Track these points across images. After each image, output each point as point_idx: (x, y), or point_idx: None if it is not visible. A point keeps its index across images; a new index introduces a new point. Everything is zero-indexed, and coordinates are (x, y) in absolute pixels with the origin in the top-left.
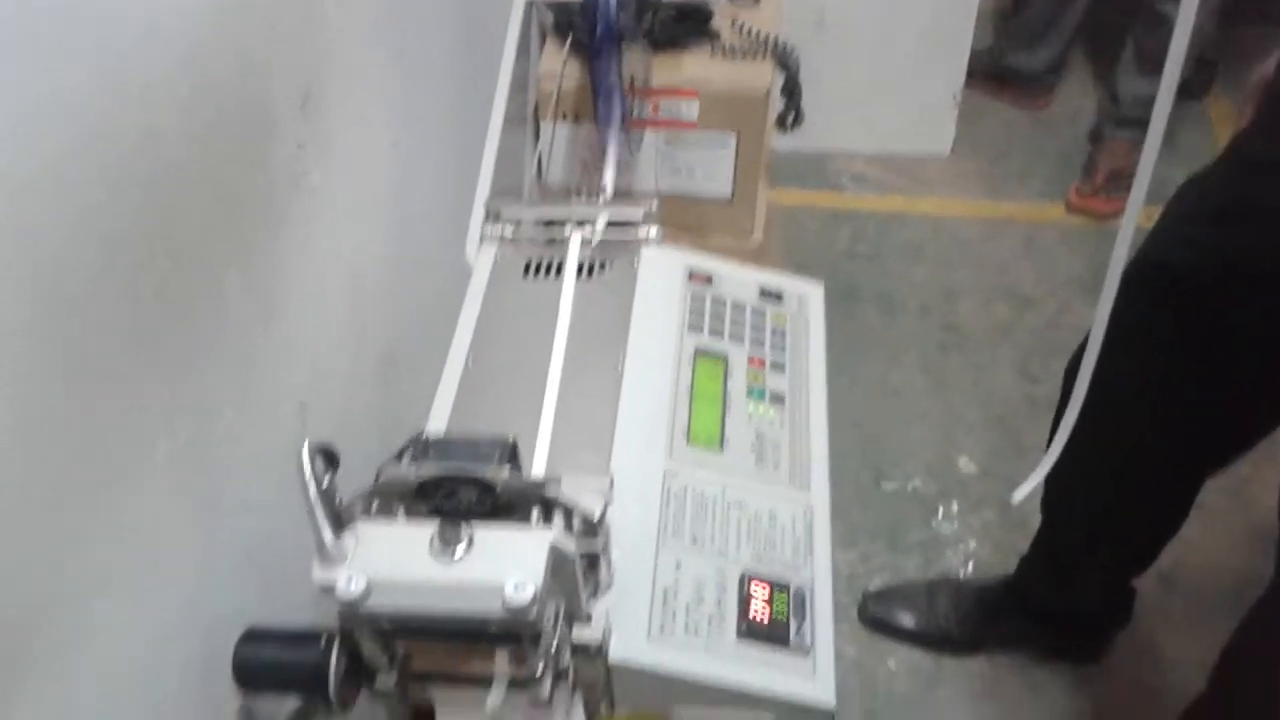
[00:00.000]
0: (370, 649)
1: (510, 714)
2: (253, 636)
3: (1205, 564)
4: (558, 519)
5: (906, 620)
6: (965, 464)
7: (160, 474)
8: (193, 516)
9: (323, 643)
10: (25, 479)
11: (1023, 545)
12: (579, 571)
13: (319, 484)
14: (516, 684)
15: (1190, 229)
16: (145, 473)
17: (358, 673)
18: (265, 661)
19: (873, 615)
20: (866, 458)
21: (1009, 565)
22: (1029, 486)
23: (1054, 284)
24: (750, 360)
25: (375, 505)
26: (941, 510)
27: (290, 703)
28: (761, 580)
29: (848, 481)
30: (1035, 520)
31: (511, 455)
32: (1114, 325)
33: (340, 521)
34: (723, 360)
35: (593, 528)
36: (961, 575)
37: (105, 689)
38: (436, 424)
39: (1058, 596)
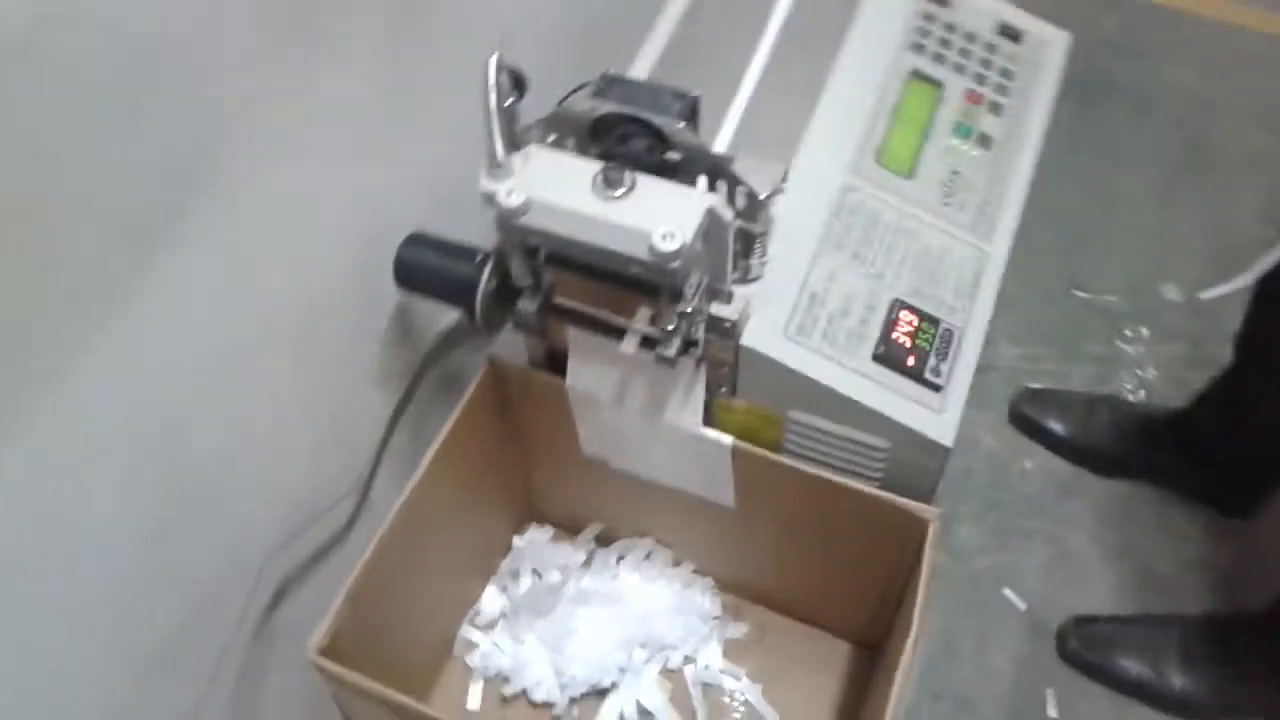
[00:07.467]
0: (519, 268)
1: (636, 371)
2: (416, 240)
3: None
4: (721, 189)
5: (1057, 425)
6: (1170, 291)
7: (359, 60)
8: (387, 99)
9: (478, 258)
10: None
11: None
12: (730, 246)
13: (500, 97)
14: (648, 341)
15: None
16: (343, 58)
17: (505, 296)
18: (423, 264)
19: (1024, 413)
20: (1063, 259)
21: (1184, 403)
22: (1229, 288)
23: None
24: (967, 95)
25: (551, 136)
26: (1130, 331)
27: (443, 321)
28: (913, 310)
29: (1037, 278)
30: (1225, 362)
31: (691, 113)
32: None
33: (515, 143)
34: (938, 87)
35: (756, 208)
36: (1130, 399)
37: (261, 254)
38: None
39: (1228, 439)
